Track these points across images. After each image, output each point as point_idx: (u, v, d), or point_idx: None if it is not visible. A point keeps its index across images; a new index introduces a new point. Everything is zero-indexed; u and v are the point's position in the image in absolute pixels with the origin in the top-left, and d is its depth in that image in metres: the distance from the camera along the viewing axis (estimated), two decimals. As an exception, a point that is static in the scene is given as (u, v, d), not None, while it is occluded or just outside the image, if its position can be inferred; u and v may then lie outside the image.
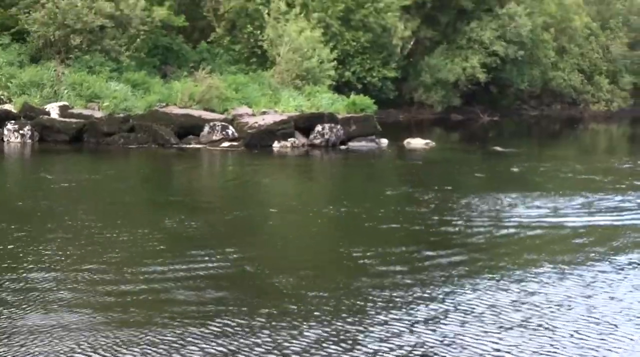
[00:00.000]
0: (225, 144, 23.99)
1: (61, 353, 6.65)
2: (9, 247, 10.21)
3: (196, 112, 24.93)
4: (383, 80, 36.95)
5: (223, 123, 24.60)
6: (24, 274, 8.92)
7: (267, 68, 30.91)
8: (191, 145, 23.84)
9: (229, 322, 7.56)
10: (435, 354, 7.03)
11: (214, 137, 24.22)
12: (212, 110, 25.44)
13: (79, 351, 6.72)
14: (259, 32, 32.15)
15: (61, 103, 24.63)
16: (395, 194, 17.08)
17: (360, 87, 34.51)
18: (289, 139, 24.65)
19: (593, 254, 10.88)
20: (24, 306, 7.78)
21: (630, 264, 10.43)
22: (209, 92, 25.75)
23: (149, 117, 24.35)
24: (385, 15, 36.78)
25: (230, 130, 24.46)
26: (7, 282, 8.58)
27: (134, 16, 28.30)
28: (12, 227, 11.42)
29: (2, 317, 7.48)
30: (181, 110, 25.00)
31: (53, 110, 24.29)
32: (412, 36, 39.55)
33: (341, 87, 33.14)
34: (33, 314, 7.58)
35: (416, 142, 26.89)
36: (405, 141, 27.05)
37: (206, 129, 24.34)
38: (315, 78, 30.25)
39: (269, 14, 31.73)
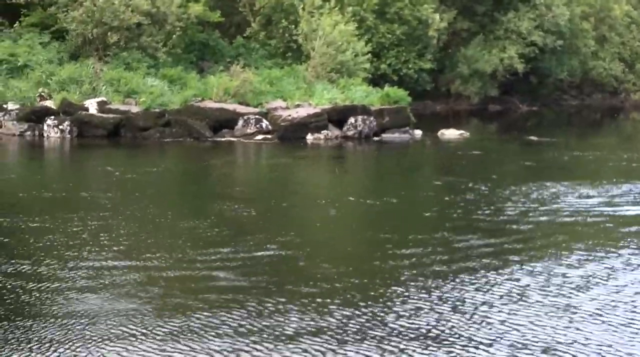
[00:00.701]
0: (259, 137, 24.33)
1: (113, 336, 7.12)
2: (83, 236, 10.94)
3: (231, 106, 25.30)
4: (419, 72, 36.97)
5: (257, 116, 24.93)
6: (95, 261, 9.57)
7: (302, 62, 31.14)
8: (225, 139, 24.23)
9: (265, 303, 8.04)
10: (456, 331, 7.31)
11: (248, 131, 24.57)
12: (247, 104, 25.79)
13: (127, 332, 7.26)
14: (293, 26, 32.37)
15: (99, 99, 25.17)
16: (430, 184, 17.32)
17: (396, 79, 34.57)
18: (322, 132, 24.91)
19: (633, 243, 10.99)
20: (89, 291, 8.40)
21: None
22: (244, 86, 26.10)
23: (185, 111, 24.80)
24: (421, 7, 36.76)
25: (264, 123, 24.78)
26: (80, 269, 9.25)
27: (170, 13, 28.74)
28: (87, 217, 12.15)
29: (69, 299, 8.13)
30: (216, 104, 25.38)
31: (92, 106, 24.85)
32: (449, 27, 39.44)
33: (377, 80, 33.20)
34: (95, 298, 8.17)
35: (450, 133, 26.93)
36: (440, 132, 27.11)
37: (240, 122, 24.71)
38: (349, 71, 30.38)
39: (303, 9, 31.92)
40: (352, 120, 25.41)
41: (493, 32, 40.87)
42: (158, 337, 7.07)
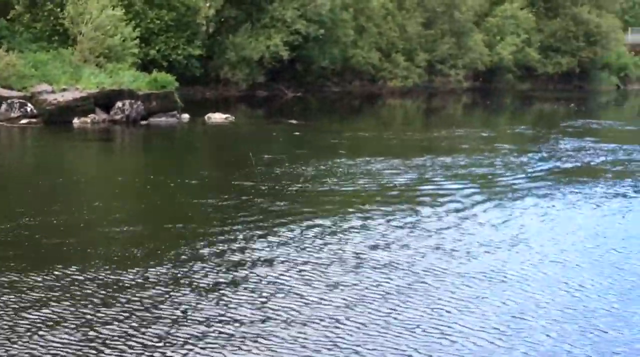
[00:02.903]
0: (24, 121, 24.32)
1: None
2: None
3: (-7, 90, 25.02)
4: (188, 58, 37.95)
5: (21, 100, 24.87)
6: None
7: (68, 46, 31.08)
8: (-12, 123, 24.02)
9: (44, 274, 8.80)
10: (225, 278, 8.81)
11: (12, 115, 24.48)
12: (10, 88, 25.57)
13: None
14: (59, 9, 32.18)
15: None
16: (204, 162, 18.58)
17: (165, 65, 35.33)
18: (89, 116, 25.31)
19: (378, 206, 12.99)
20: None
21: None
22: (7, 70, 25.83)
23: (-57, 95, 24.24)
24: (189, -6, 37.70)
25: (29, 107, 24.78)
26: None
27: None
28: None
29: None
30: (-23, 88, 25.00)
31: None
32: (217, 15, 40.67)
33: (147, 65, 33.79)
34: None
35: (216, 117, 28.22)
36: (206, 116, 28.32)
37: (3, 106, 24.55)
38: (118, 56, 30.77)
39: (69, -8, 31.81)
40: (119, 104, 26.00)
41: (260, 20, 42.52)
42: None
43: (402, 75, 50.14)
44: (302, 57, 43.89)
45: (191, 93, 36.23)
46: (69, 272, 8.77)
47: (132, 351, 6.66)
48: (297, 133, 25.42)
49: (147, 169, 17.42)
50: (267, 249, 10.06)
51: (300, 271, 9.12)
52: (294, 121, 28.60)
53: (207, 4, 39.37)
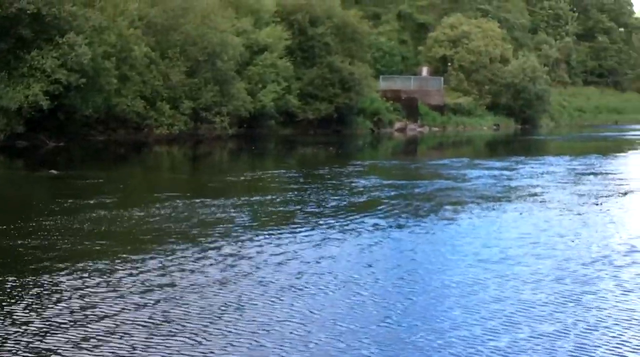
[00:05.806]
0: None
1: None
2: None
3: None
4: (-61, 108, 36.18)
5: None
6: None
7: None
8: None
9: None
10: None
11: None
12: None
13: None
14: None
15: None
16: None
17: None
18: None
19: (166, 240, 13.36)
20: None
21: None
22: None
23: None
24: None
25: None
26: None
27: None
28: None
29: None
30: None
31: None
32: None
33: None
34: None
35: (-30, 169, 27.28)
36: (-41, 168, 27.30)
37: None
38: None
39: None
40: None
41: (17, 69, 41.44)
42: None
43: (167, 123, 50.68)
44: (63, 106, 43.16)
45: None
46: None
47: None
48: (56, 182, 25.22)
49: None
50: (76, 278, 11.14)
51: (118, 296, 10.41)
52: (54, 171, 28.20)
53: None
